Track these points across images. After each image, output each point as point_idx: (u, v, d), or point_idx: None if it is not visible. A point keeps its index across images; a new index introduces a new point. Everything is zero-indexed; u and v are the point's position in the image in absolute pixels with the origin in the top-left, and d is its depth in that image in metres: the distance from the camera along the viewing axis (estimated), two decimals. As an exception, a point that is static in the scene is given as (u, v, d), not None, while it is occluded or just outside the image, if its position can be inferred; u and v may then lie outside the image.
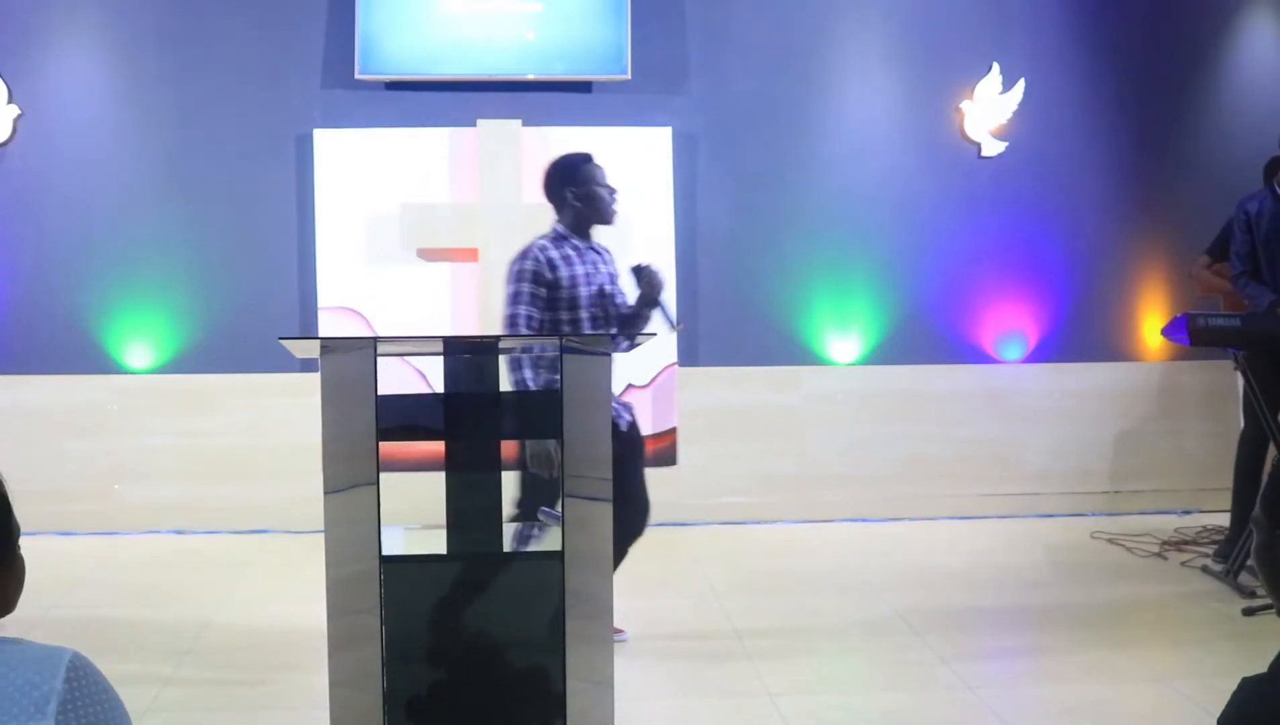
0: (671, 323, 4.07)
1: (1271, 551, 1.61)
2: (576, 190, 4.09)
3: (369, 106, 6.14)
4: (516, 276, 3.97)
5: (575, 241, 4.07)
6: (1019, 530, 6.07)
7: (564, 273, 3.96)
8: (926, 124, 6.38)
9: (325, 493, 2.63)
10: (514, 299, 3.94)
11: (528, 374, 3.83)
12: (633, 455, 4.07)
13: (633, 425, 4.12)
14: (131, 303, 6.10)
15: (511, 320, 3.93)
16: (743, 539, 5.95)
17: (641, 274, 4.05)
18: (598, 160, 4.18)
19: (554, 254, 3.99)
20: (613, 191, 4.14)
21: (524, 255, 4.00)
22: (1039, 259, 6.47)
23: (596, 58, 6.12)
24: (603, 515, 2.73)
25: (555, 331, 3.92)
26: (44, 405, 5.99)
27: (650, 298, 4.04)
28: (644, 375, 6.15)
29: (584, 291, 3.98)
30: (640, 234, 6.17)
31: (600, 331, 3.99)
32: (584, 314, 3.98)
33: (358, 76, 6.06)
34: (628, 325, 4.11)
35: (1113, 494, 6.44)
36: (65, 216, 6.06)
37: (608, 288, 4.06)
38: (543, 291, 3.93)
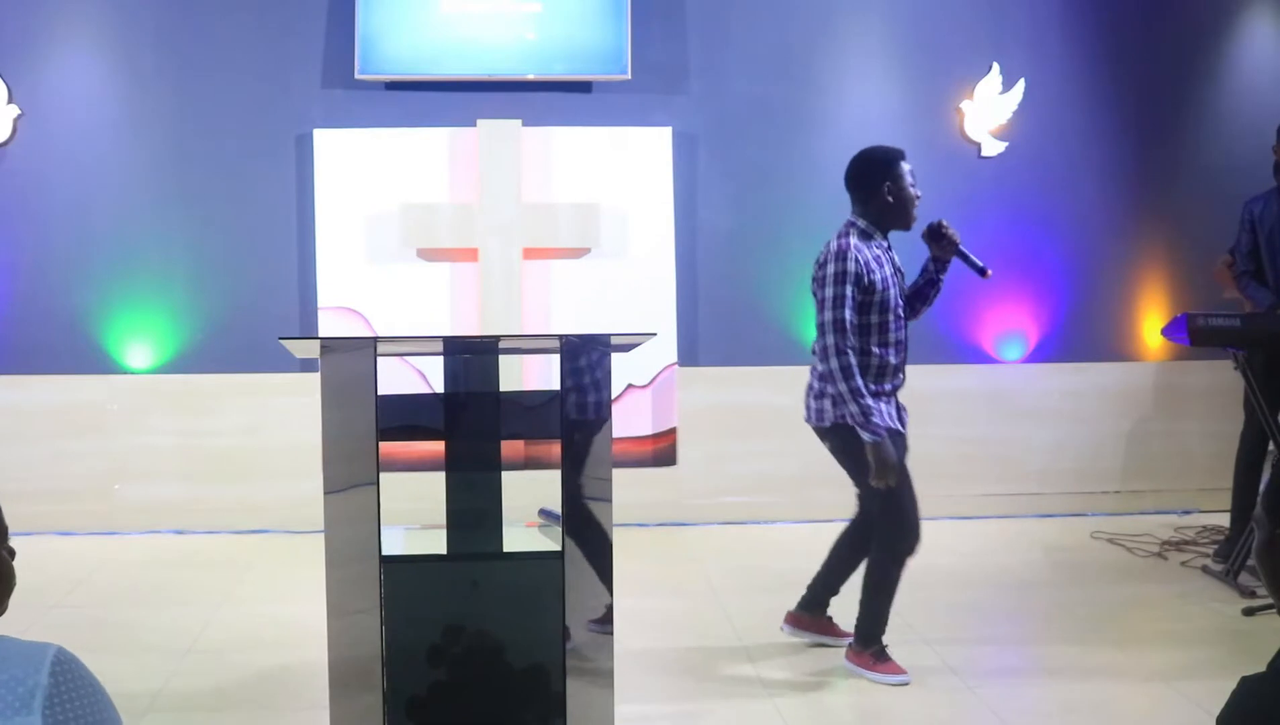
0: (980, 270, 3.93)
1: (1272, 550, 1.61)
2: (894, 185, 3.88)
3: (369, 106, 6.14)
4: (838, 278, 3.77)
5: (878, 240, 3.91)
6: (1019, 530, 6.07)
7: (877, 276, 3.81)
8: (926, 124, 6.38)
9: (325, 493, 2.63)
10: (836, 302, 3.76)
11: (827, 386, 3.81)
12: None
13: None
14: (131, 303, 6.10)
15: (837, 325, 3.76)
16: (743, 539, 5.94)
17: (937, 234, 3.96)
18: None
19: (868, 255, 3.83)
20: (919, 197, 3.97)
21: (842, 256, 3.79)
22: (1039, 259, 6.47)
23: (596, 58, 6.12)
24: (603, 515, 2.73)
25: (865, 334, 3.83)
26: (44, 405, 5.99)
27: (950, 255, 3.98)
28: (644, 375, 6.15)
29: (891, 294, 3.86)
30: (640, 234, 6.18)
31: (902, 331, 3.92)
32: (890, 316, 3.85)
33: (358, 76, 6.06)
34: (928, 299, 4.06)
35: (1113, 494, 6.44)
36: (65, 216, 6.06)
37: (900, 286, 3.96)
38: (858, 295, 3.79)
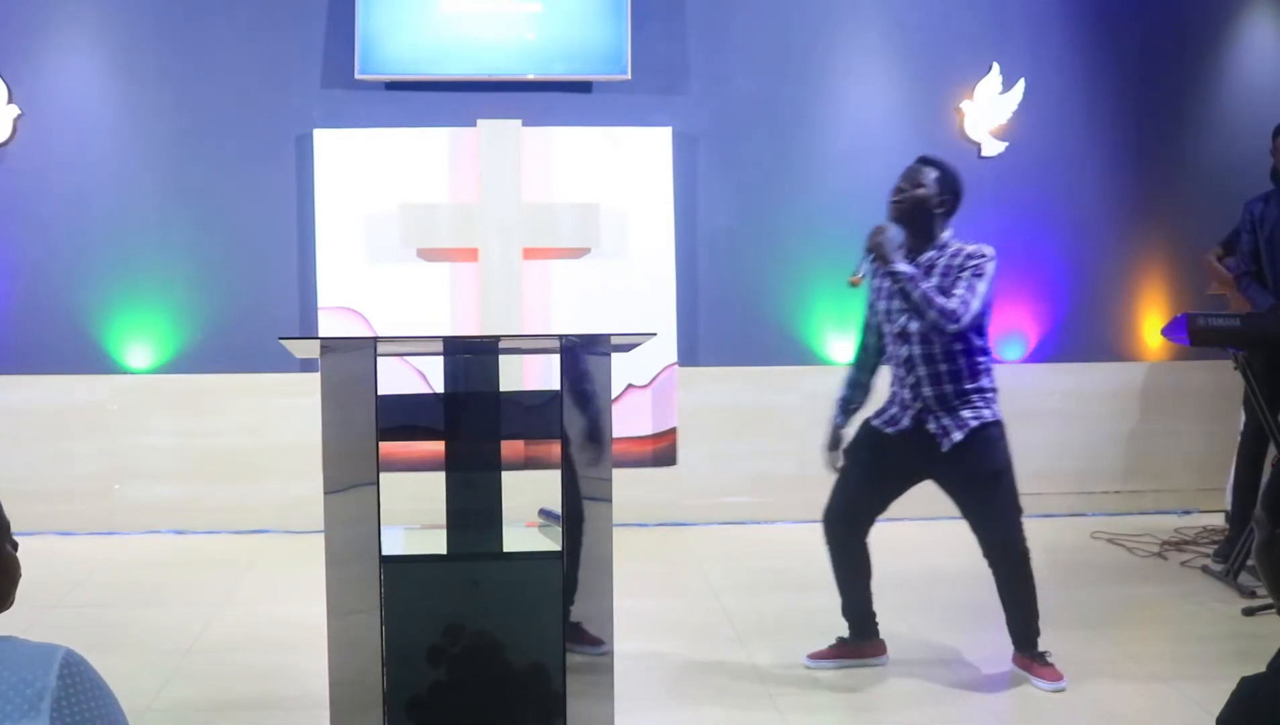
0: (855, 270, 3.85)
1: (1272, 550, 1.61)
2: None
3: (369, 106, 6.14)
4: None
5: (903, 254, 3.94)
6: (1019, 530, 6.06)
7: (875, 285, 4.02)
8: (926, 124, 6.38)
9: (325, 493, 2.63)
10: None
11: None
12: None
13: None
14: (131, 303, 6.09)
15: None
16: (743, 539, 5.94)
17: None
18: (925, 161, 4.06)
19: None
20: (897, 192, 3.98)
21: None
22: (1039, 259, 6.47)
23: (596, 58, 6.12)
24: (603, 515, 2.73)
25: None
26: (44, 405, 5.99)
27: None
28: (644, 375, 6.15)
29: (876, 307, 4.02)
30: (640, 234, 6.18)
31: (892, 347, 3.94)
32: (874, 333, 4.04)
33: (358, 76, 6.06)
34: (914, 310, 3.85)
35: (1113, 494, 6.44)
36: (65, 216, 6.06)
37: (894, 303, 3.92)
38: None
